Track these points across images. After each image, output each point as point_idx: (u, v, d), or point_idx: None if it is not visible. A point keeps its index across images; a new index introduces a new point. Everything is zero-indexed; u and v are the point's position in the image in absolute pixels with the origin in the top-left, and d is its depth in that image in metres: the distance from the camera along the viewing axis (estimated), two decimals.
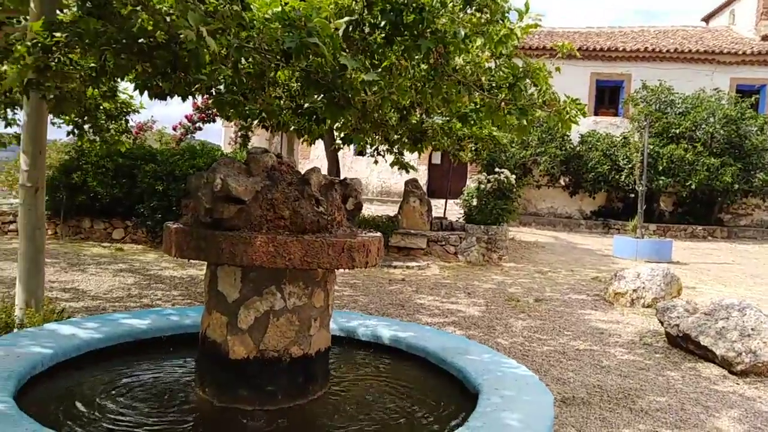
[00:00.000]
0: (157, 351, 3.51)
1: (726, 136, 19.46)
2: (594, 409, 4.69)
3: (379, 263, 2.97)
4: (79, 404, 2.71)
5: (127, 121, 9.05)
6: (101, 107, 8.63)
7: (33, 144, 5.48)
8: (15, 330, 5.26)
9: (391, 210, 16.03)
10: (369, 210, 15.24)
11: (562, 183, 21.71)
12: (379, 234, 2.91)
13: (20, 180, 5.54)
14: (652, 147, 19.22)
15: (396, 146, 10.44)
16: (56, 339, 3.15)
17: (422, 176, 23.59)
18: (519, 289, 9.95)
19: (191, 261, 11.14)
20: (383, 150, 11.97)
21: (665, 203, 21.94)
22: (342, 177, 3.01)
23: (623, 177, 20.12)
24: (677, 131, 19.79)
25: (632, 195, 20.43)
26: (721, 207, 21.28)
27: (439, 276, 10.84)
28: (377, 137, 10.17)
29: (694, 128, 19.92)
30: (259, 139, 26.30)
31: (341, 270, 11.05)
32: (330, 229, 2.72)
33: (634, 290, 8.77)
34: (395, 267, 11.34)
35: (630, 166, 19.76)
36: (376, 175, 23.67)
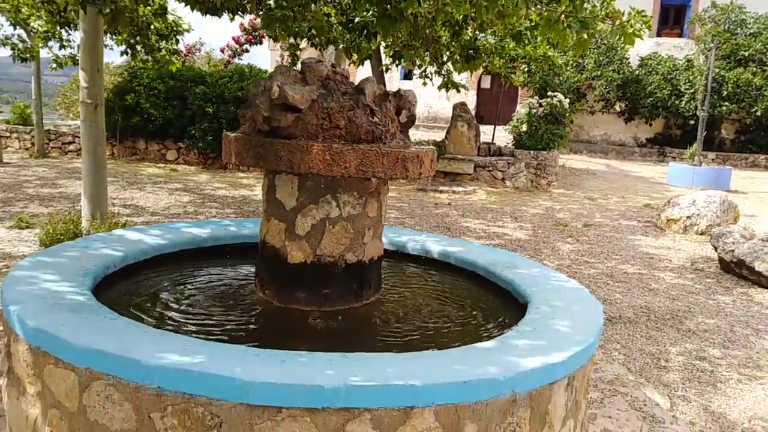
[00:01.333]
0: (218, 258, 3.69)
1: None
2: (640, 327, 4.72)
3: (432, 175, 2.98)
4: (149, 301, 2.91)
5: (177, 41, 9.10)
6: (152, 26, 8.67)
7: (90, 61, 5.61)
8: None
9: (438, 136, 15.86)
10: (415, 135, 15.10)
11: (618, 109, 20.89)
12: (432, 147, 2.91)
13: (80, 97, 5.73)
14: (717, 71, 18.14)
15: (445, 67, 10.18)
16: (125, 243, 3.34)
17: (470, 101, 23.05)
18: (567, 214, 9.85)
19: (242, 182, 11.41)
20: (431, 72, 11.70)
21: (727, 131, 20.91)
22: None
23: (683, 103, 19.19)
24: (746, 53, 18.55)
25: (692, 122, 19.53)
26: None
27: (486, 201, 10.81)
28: (426, 57, 9.92)
29: (765, 50, 18.60)
30: None
31: (389, 192, 11.16)
32: (384, 140, 2.73)
33: (688, 217, 8.56)
34: (441, 191, 11.35)
35: (692, 91, 18.77)
36: (423, 101, 23.24)
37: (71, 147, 13.38)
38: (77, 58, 10.18)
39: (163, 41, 9.07)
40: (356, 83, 2.78)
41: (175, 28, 8.93)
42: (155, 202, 8.64)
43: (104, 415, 1.94)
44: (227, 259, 3.70)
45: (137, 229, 3.73)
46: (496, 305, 3.18)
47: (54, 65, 9.91)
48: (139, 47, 8.51)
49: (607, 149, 20.93)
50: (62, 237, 5.52)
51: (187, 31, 9.18)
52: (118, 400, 1.91)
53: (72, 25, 9.06)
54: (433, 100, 23.16)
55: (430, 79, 12.04)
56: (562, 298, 2.94)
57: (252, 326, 2.79)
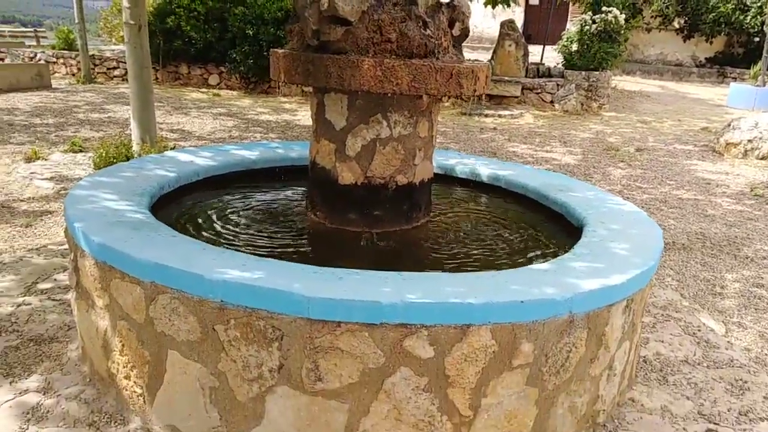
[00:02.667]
0: (268, 179, 3.71)
1: None
2: (695, 254, 4.60)
3: (487, 90, 2.86)
4: (204, 220, 2.97)
5: None
6: None
7: None
8: None
9: (483, 57, 15.29)
10: (474, 57, 14.55)
11: (676, 25, 19.61)
12: (486, 61, 2.77)
13: (123, 18, 5.68)
14: None
15: None
16: (177, 165, 3.38)
17: (518, 19, 21.97)
18: (619, 138, 9.50)
19: (284, 107, 11.35)
20: None
21: None
22: None
23: (749, 18, 17.82)
24: None
25: (757, 39, 18.23)
26: None
27: (533, 125, 10.50)
28: None
29: None
30: None
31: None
32: (437, 54, 2.62)
33: (750, 140, 8.14)
34: (487, 116, 11.06)
35: (759, 4, 17.38)
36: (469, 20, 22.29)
37: (116, 72, 13.48)
38: None
39: None
40: None
41: None
42: (201, 127, 8.70)
43: (170, 327, 2.02)
44: (277, 181, 3.71)
45: (188, 150, 3.76)
46: (550, 229, 3.12)
47: None
48: None
49: (662, 70, 19.85)
50: (114, 160, 5.64)
51: None
52: (183, 312, 1.97)
53: None
54: (477, 18, 22.17)
55: None
56: (619, 221, 2.85)
57: (305, 246, 2.82)
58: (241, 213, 3.12)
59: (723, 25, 18.45)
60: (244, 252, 2.35)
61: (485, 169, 3.81)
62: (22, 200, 4.83)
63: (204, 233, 2.78)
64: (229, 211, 3.14)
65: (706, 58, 20.12)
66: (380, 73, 2.42)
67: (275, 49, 2.74)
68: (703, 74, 19.57)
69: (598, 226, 2.76)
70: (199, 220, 2.96)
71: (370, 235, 2.82)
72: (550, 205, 3.30)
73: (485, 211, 3.43)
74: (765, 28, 13.48)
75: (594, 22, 11.91)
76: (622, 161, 7.89)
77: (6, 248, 3.87)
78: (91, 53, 13.19)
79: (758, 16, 17.43)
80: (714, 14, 18.25)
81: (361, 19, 2.48)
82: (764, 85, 12.70)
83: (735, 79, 18.46)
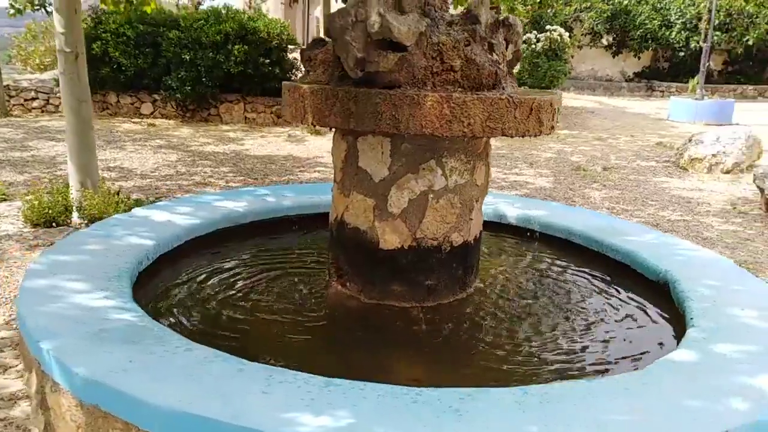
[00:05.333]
0: (263, 236, 3.06)
1: None
2: None
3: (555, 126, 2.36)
4: (200, 305, 2.29)
5: None
6: None
7: (67, 2, 4.71)
8: (74, 212, 4.86)
9: None
10: None
11: (605, 42, 20.22)
12: (556, 91, 2.28)
13: (57, 45, 4.85)
14: None
15: None
16: (152, 227, 2.68)
17: None
18: (582, 157, 9.34)
19: (228, 136, 10.57)
20: None
21: (714, 62, 20.45)
22: None
23: (674, 33, 18.60)
24: None
25: (681, 53, 19.06)
26: None
27: (494, 146, 10.21)
28: None
29: None
30: (275, 2, 24.52)
31: None
32: (503, 85, 2.10)
33: (713, 155, 8.14)
34: None
35: (683, 20, 18.18)
36: None
37: (35, 104, 12.21)
38: (37, 3, 9.05)
39: None
40: (466, 8, 2.10)
41: None
42: (141, 163, 7.82)
43: None
44: (275, 238, 3.08)
45: (161, 206, 3.05)
46: (623, 285, 2.64)
47: (12, 11, 8.76)
48: None
49: (594, 85, 20.36)
50: (50, 211, 4.78)
51: None
52: None
53: None
54: None
55: None
56: (709, 273, 2.42)
57: (344, 334, 2.20)
58: (245, 290, 2.46)
59: (650, 41, 19.16)
60: (268, 359, 1.69)
61: (511, 209, 3.33)
62: None
63: (211, 329, 2.11)
64: (228, 287, 2.48)
65: (634, 73, 20.83)
66: (448, 112, 1.87)
67: (288, 84, 2.13)
68: (632, 88, 20.22)
69: (692, 283, 2.30)
70: (197, 309, 2.27)
71: (420, 311, 2.24)
72: (606, 252, 2.84)
73: (534, 265, 2.91)
74: (701, 44, 13.96)
75: (539, 40, 11.90)
76: (594, 181, 7.67)
77: None
78: (5, 83, 11.91)
79: (682, 32, 18.21)
80: (641, 30, 18.92)
81: (418, 44, 1.93)
82: (702, 99, 13.08)
83: (662, 93, 19.17)
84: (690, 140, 8.61)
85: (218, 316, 2.21)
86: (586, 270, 2.79)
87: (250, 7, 18.24)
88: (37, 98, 12.14)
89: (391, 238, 2.21)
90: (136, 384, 1.42)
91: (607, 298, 2.50)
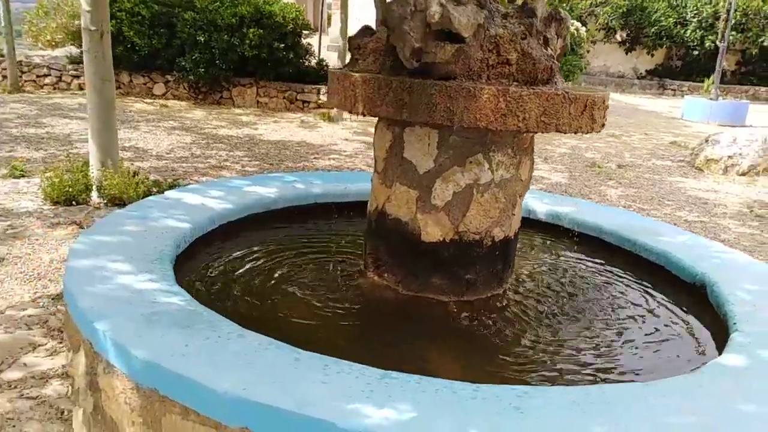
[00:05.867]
0: (294, 222, 3.05)
1: None
2: None
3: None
4: (238, 289, 2.29)
5: None
6: None
7: None
8: (93, 191, 4.84)
9: None
10: None
11: (619, 38, 20.08)
12: (603, 88, 2.26)
13: (83, 23, 4.82)
14: None
15: None
16: (187, 210, 2.67)
17: None
18: (597, 154, 9.30)
19: (241, 119, 10.55)
20: None
21: (728, 62, 20.30)
22: None
23: (689, 32, 18.44)
24: None
25: (695, 52, 18.92)
26: None
27: None
28: None
29: None
30: None
31: None
32: (555, 80, 2.08)
33: (729, 156, 8.09)
34: None
35: (698, 19, 18.03)
36: None
37: (47, 80, 12.17)
38: None
39: None
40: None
41: None
42: (156, 144, 7.80)
43: None
44: (306, 224, 3.07)
45: (193, 189, 3.04)
46: (654, 283, 2.63)
47: None
48: None
49: (605, 81, 20.25)
50: (71, 189, 4.77)
51: None
52: None
53: None
54: None
55: None
56: (744, 277, 2.40)
57: (379, 324, 2.20)
58: (280, 277, 2.45)
59: (664, 38, 19.03)
60: (310, 346, 1.68)
61: (539, 204, 3.31)
62: None
63: (248, 311, 2.11)
64: (263, 273, 2.47)
65: (646, 70, 20.71)
66: (504, 105, 1.85)
67: (348, 71, 2.11)
68: (644, 86, 20.12)
69: (731, 286, 2.29)
70: (235, 294, 2.27)
71: (459, 304, 2.23)
72: (639, 251, 2.83)
73: (566, 262, 2.90)
74: (718, 43, 13.86)
75: None
76: (610, 179, 7.64)
77: None
78: (18, 59, 11.86)
79: (697, 30, 18.07)
80: (656, 28, 18.78)
81: (475, 36, 1.90)
82: (717, 99, 13.01)
83: (674, 91, 19.06)
84: (706, 141, 8.57)
85: (256, 303, 2.21)
86: (620, 269, 2.78)
87: None
88: (50, 75, 12.10)
89: (433, 231, 2.20)
90: (195, 368, 1.41)
91: (644, 299, 2.49)
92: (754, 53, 18.64)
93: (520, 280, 2.56)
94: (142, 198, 4.95)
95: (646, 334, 2.19)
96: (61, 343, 2.74)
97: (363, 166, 7.34)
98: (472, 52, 1.89)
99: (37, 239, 4.05)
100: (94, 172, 4.94)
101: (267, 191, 3.13)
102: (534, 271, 2.70)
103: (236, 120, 10.28)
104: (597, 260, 2.87)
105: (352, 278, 2.47)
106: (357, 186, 3.38)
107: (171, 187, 5.42)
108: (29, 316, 2.96)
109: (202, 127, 9.29)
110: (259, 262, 2.58)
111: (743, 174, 8.01)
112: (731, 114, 12.54)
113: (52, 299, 3.16)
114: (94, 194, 4.85)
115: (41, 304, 3.11)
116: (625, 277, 2.69)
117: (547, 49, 2.02)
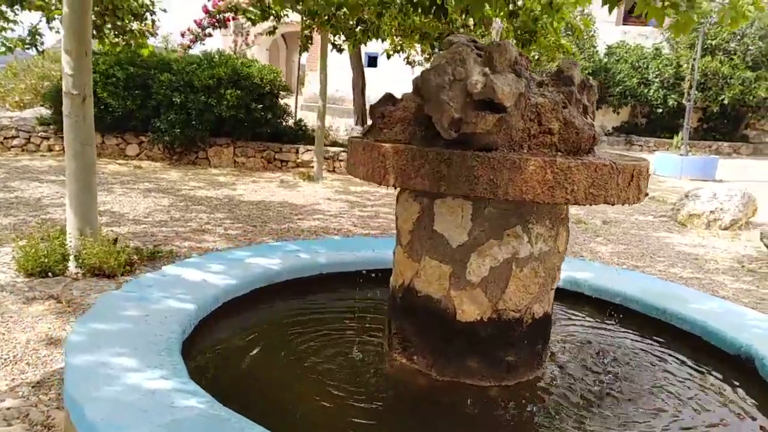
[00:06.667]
0: (300, 296, 2.85)
1: (764, 48, 18.42)
2: None
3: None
4: (257, 384, 2.06)
5: (153, 22, 7.95)
6: (123, 5, 7.51)
7: (77, 43, 4.54)
8: (70, 261, 4.54)
9: None
10: None
11: None
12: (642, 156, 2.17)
13: (64, 87, 4.64)
14: (686, 59, 18.22)
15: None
16: (189, 288, 2.45)
17: None
18: (580, 210, 9.34)
19: (218, 180, 10.34)
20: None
21: (691, 119, 21.13)
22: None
23: (652, 91, 19.20)
24: (713, 42, 18.67)
25: (659, 110, 19.64)
26: (747, 123, 20.59)
27: None
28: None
29: (729, 40, 18.81)
30: (259, 48, 24.73)
31: (383, 191, 10.26)
32: (595, 150, 1.98)
33: (711, 212, 8.20)
34: None
35: (660, 79, 18.83)
36: (389, 89, 22.29)
37: (14, 142, 11.82)
38: (28, 41, 8.83)
39: (135, 22, 7.90)
40: (555, 68, 2.00)
41: (149, 7, 7.79)
42: (132, 207, 7.52)
43: None
44: (312, 297, 2.87)
45: (192, 264, 2.82)
46: (702, 360, 2.47)
47: (3, 49, 8.51)
48: (108, 27, 7.36)
49: None
50: (46, 260, 4.47)
51: (163, 10, 8.04)
52: None
53: (22, 2, 7.76)
54: (399, 88, 22.27)
55: (413, 66, 11.29)
56: None
57: (413, 417, 1.98)
58: (296, 362, 2.23)
59: (629, 97, 19.73)
60: None
61: None
62: None
63: (271, 411, 1.88)
64: (277, 360, 2.25)
65: (613, 127, 21.36)
66: (551, 177, 1.73)
67: (371, 142, 1.98)
68: (612, 142, 20.68)
69: None
70: (250, 386, 2.04)
71: (499, 390, 2.04)
72: (671, 320, 2.69)
73: (595, 333, 2.74)
74: (685, 102, 14.37)
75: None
76: (597, 235, 7.63)
77: None
78: None
79: (660, 90, 18.82)
80: (620, 87, 19.49)
81: (516, 105, 1.80)
82: (687, 154, 13.38)
83: (641, 147, 19.64)
84: (686, 196, 8.69)
85: (274, 397, 1.98)
86: (654, 341, 2.63)
87: (235, 53, 18.32)
88: (18, 136, 11.79)
89: (469, 309, 2.03)
90: None
91: (688, 375, 2.33)
92: (714, 111, 19.43)
93: (556, 358, 2.38)
94: (124, 267, 4.71)
95: (698, 413, 2.03)
96: None
97: (350, 227, 7.19)
98: (513, 122, 1.78)
99: (11, 317, 3.72)
100: (71, 240, 4.66)
101: (270, 263, 2.93)
102: (566, 346, 2.53)
103: (214, 180, 10.08)
104: (630, 332, 2.72)
105: (375, 361, 2.26)
106: (362, 255, 3.22)
107: (153, 254, 5.16)
108: (8, 408, 2.64)
109: (179, 189, 9.06)
110: (270, 345, 2.36)
111: (726, 228, 8.10)
112: (701, 169, 12.89)
113: (33, 387, 2.85)
114: (72, 264, 4.55)
115: (20, 393, 2.79)
116: (662, 350, 2.54)
117: (586, 117, 1.92)
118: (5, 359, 3.19)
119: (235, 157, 11.71)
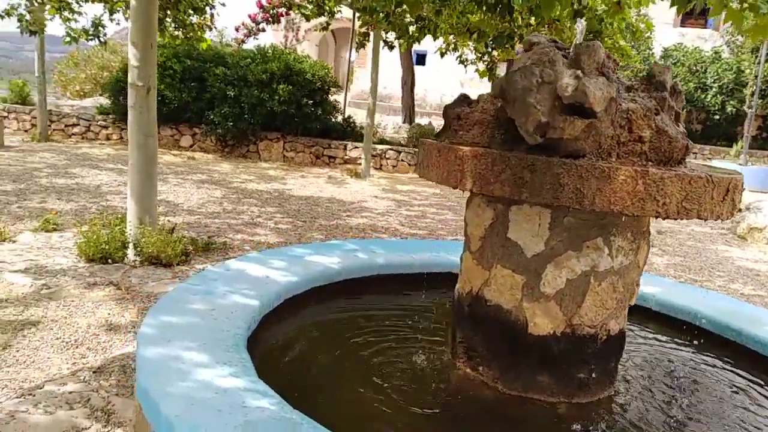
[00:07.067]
0: (359, 296, 2.83)
1: None
2: None
3: None
4: (323, 386, 2.04)
5: (212, 15, 8.08)
6: None
7: (142, 34, 4.63)
8: (129, 249, 4.63)
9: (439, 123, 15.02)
10: (441, 124, 14.09)
11: None
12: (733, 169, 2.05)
13: (129, 78, 4.74)
14: (747, 64, 17.49)
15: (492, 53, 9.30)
16: (252, 284, 2.45)
17: (486, 89, 22.13)
18: None
19: (269, 174, 10.48)
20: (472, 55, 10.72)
21: (751, 127, 20.29)
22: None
23: (709, 97, 18.50)
24: None
25: (716, 117, 18.92)
26: None
27: None
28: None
29: None
30: (309, 44, 24.94)
31: (430, 190, 10.15)
32: (687, 161, 1.88)
33: None
34: None
35: (719, 84, 18.11)
36: (436, 89, 22.22)
37: (75, 129, 12.25)
38: (92, 32, 9.09)
39: (195, 15, 8.04)
40: (648, 72, 1.90)
41: (209, 1, 7.91)
42: (186, 198, 7.66)
43: None
44: (372, 297, 2.84)
45: (253, 258, 2.82)
46: None
47: (68, 39, 8.80)
48: (168, 20, 7.50)
49: None
50: (107, 246, 4.58)
51: (222, 4, 8.16)
52: None
53: None
54: (445, 88, 22.20)
55: (465, 65, 11.13)
56: None
57: (479, 430, 1.92)
58: (355, 364, 2.20)
59: (685, 103, 19.06)
60: None
61: None
62: None
63: (337, 410, 1.86)
64: (340, 359, 2.22)
65: None
66: (642, 189, 1.63)
67: (447, 144, 1.92)
68: None
69: None
70: (312, 387, 2.02)
71: (569, 407, 1.96)
72: (747, 343, 2.55)
73: (662, 350, 2.62)
74: (746, 109, 13.79)
75: None
76: (652, 246, 7.37)
77: None
78: (48, 108, 11.97)
79: (718, 96, 18.13)
80: None
81: (607, 110, 1.71)
82: (746, 164, 12.82)
83: (695, 155, 18.95)
84: (747, 208, 8.33)
85: (335, 399, 1.96)
86: (728, 362, 2.50)
87: (286, 48, 18.52)
88: (78, 125, 12.20)
89: (542, 322, 1.95)
90: None
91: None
92: None
93: (625, 376, 2.28)
94: (179, 257, 4.79)
95: None
96: (106, 426, 2.47)
97: (397, 226, 7.15)
98: (602, 128, 1.70)
99: (72, 301, 3.82)
100: (131, 228, 4.76)
101: (329, 261, 2.91)
102: (634, 363, 2.43)
103: (264, 174, 10.20)
104: (702, 352, 2.59)
105: (437, 369, 2.21)
106: (421, 257, 3.17)
107: (207, 245, 5.23)
108: (69, 392, 2.70)
109: (230, 181, 9.20)
110: (329, 345, 2.33)
111: None
112: (762, 180, 12.31)
113: (94, 372, 2.90)
114: (131, 252, 4.65)
115: (82, 377, 2.85)
116: (739, 374, 2.41)
117: (678, 125, 1.82)
118: (67, 342, 3.28)
119: (284, 151, 11.84)
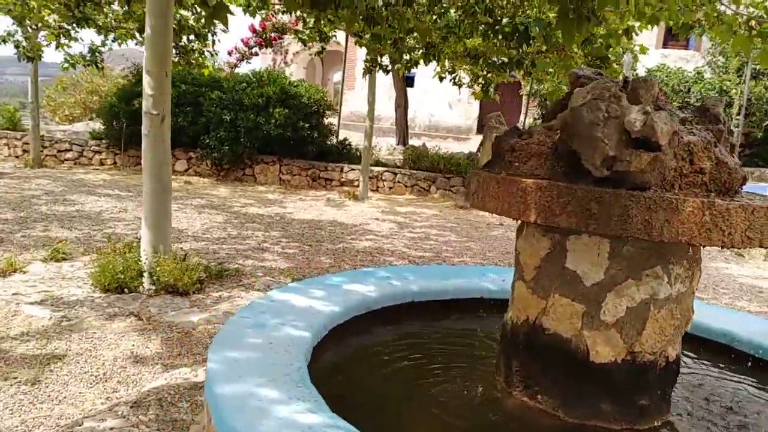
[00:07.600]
0: (397, 323, 2.84)
1: None
2: None
3: None
4: (382, 415, 2.04)
5: (213, 42, 8.11)
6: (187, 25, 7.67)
7: (158, 63, 4.65)
8: (144, 277, 4.58)
9: (444, 146, 15.22)
10: (432, 145, 14.26)
11: None
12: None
13: (144, 107, 4.75)
14: (729, 84, 17.93)
15: (490, 74, 9.46)
16: (299, 315, 2.45)
17: (474, 110, 22.41)
18: None
19: (267, 197, 10.45)
20: (468, 77, 10.88)
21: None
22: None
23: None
24: (757, 67, 18.34)
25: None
26: None
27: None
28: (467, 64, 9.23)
29: None
30: (297, 66, 25.08)
31: (429, 212, 10.19)
32: (740, 191, 1.94)
33: None
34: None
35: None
36: (425, 109, 22.45)
37: (68, 155, 12.15)
38: (89, 58, 9.09)
39: (197, 41, 8.08)
40: (697, 104, 1.96)
41: (211, 27, 7.96)
42: (189, 224, 7.62)
43: None
44: (410, 325, 2.86)
45: (295, 289, 2.83)
46: None
47: (66, 65, 8.78)
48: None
49: None
50: (122, 276, 4.53)
51: (224, 31, 8.21)
52: None
53: (87, 21, 8.01)
54: (435, 108, 22.45)
55: (459, 86, 11.27)
56: None
57: None
58: (409, 389, 2.21)
59: None
60: None
61: None
62: (14, 338, 3.61)
63: None
64: (390, 388, 2.23)
65: None
66: (708, 219, 1.69)
67: (507, 176, 1.96)
68: None
69: None
70: (370, 416, 2.02)
71: None
72: None
73: (705, 374, 2.66)
74: (733, 128, 14.11)
75: None
76: None
77: (15, 425, 2.70)
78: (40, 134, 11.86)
79: (727, 108, 18.54)
80: None
81: (670, 143, 1.76)
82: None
83: None
84: None
85: (394, 429, 1.96)
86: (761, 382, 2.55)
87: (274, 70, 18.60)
88: (71, 150, 12.11)
89: (603, 350, 1.98)
90: None
91: None
92: (758, 136, 19.03)
93: (674, 400, 2.31)
94: (195, 284, 4.75)
95: None
96: None
97: (403, 248, 7.17)
98: (666, 161, 1.75)
99: (94, 333, 3.77)
100: (146, 257, 4.73)
101: (366, 290, 2.92)
102: (680, 386, 2.46)
103: (262, 198, 10.18)
104: (745, 376, 2.63)
105: (492, 397, 2.22)
106: (453, 283, 3.20)
107: (220, 272, 5.21)
108: (111, 429, 2.66)
109: (230, 205, 9.17)
110: (379, 374, 2.34)
111: None
112: None
113: (131, 407, 2.87)
114: (146, 281, 4.62)
115: (120, 413, 2.81)
116: None
117: (734, 156, 1.89)
118: (95, 376, 3.23)
119: (281, 174, 11.84)
